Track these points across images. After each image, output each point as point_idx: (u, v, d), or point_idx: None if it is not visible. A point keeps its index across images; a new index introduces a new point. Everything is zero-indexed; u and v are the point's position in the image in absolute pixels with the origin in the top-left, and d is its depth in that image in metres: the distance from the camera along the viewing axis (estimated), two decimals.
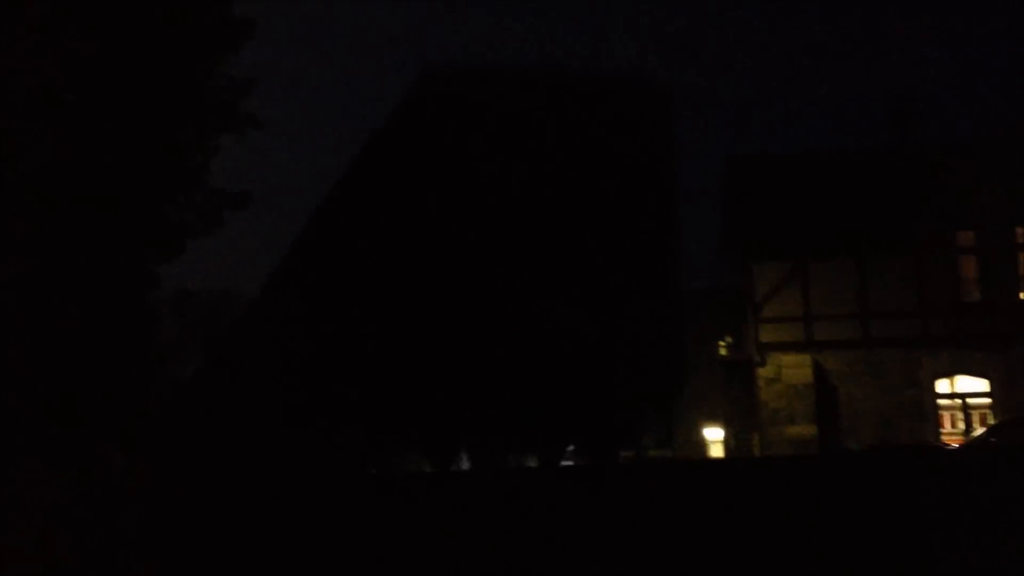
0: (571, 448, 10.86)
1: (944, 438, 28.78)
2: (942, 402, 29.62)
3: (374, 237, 9.57)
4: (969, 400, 29.53)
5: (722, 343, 35.18)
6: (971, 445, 24.25)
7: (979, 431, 27.37)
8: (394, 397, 9.67)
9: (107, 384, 15.60)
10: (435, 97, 10.18)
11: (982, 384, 29.36)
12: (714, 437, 37.96)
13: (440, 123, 10.05)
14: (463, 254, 9.42)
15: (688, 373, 13.43)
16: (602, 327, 9.60)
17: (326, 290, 10.00)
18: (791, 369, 29.70)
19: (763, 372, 30.05)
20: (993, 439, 23.76)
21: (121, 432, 18.81)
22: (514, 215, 9.66)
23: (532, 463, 11.36)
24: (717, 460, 30.66)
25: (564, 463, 11.09)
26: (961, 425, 29.32)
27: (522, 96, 10.37)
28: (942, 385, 29.62)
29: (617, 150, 10.27)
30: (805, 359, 29.58)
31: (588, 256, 9.72)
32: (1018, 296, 29.40)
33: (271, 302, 10.88)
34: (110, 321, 14.48)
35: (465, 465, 12.26)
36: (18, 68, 12.38)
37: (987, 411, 29.17)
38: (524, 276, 9.43)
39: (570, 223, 9.71)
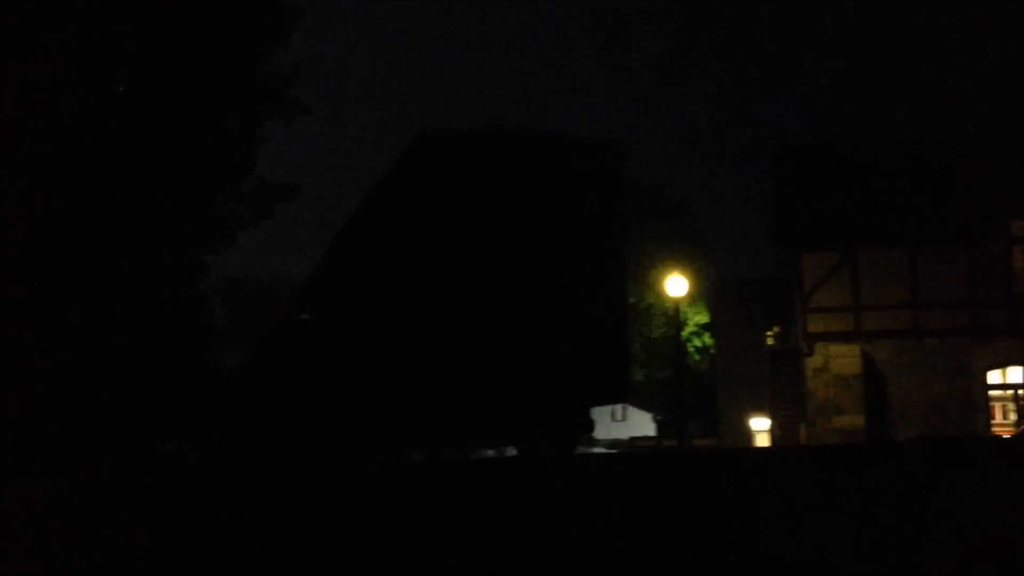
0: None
1: (995, 429, 28.43)
2: (993, 393, 29.27)
3: (378, 267, 12.13)
4: (1021, 391, 29.16)
5: (769, 333, 35.00)
6: (1022, 436, 23.93)
7: None
8: (395, 398, 11.81)
9: (158, 372, 15.85)
10: (425, 156, 12.47)
11: None
12: (760, 427, 37.82)
13: (429, 179, 12.43)
14: (451, 283, 11.87)
15: (631, 380, 15.77)
16: (555, 345, 12.04)
17: (340, 308, 12.36)
18: (839, 359, 29.47)
19: (810, 362, 29.84)
20: None
21: (172, 418, 19.12)
22: (488, 258, 12.04)
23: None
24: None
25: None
26: (1013, 416, 28.94)
27: (501, 155, 12.69)
28: (994, 376, 29.25)
29: (575, 200, 12.68)
30: (853, 349, 29.34)
31: (546, 287, 12.10)
32: None
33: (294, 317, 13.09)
34: (161, 310, 14.71)
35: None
36: (70, 59, 12.56)
37: None
38: (491, 307, 11.83)
39: (535, 262, 12.10)
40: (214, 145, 14.04)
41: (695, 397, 44.81)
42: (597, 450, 48.85)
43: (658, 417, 56.79)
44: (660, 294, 39.71)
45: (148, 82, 12.70)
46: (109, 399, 15.15)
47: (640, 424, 56.75)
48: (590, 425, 13.55)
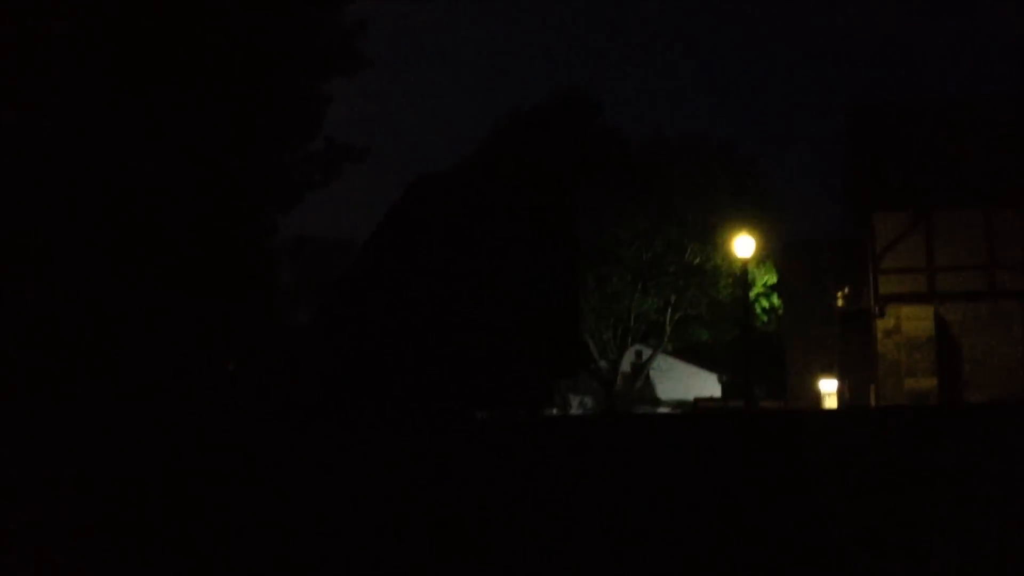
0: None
1: None
2: None
3: (389, 282, 15.16)
4: None
5: (839, 294, 34.54)
6: None
7: None
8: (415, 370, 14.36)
9: (227, 331, 16.11)
10: (418, 196, 15.66)
11: None
12: (828, 389, 37.45)
13: (421, 213, 15.74)
14: (442, 290, 14.83)
15: (581, 361, 18.79)
16: (518, 330, 14.86)
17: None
18: (911, 321, 29.00)
19: (881, 324, 29.41)
20: None
21: (241, 374, 19.45)
22: (468, 274, 15.07)
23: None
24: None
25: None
26: None
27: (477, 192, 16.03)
28: None
29: (532, 221, 15.99)
30: (926, 311, 28.85)
31: (514, 291, 15.06)
32: None
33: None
34: (230, 269, 14.92)
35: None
36: (138, 21, 12.69)
37: None
38: (469, 306, 14.70)
39: (507, 271, 15.18)
40: (281, 101, 14.13)
41: (762, 359, 44.43)
42: (661, 410, 48.93)
43: (724, 378, 56.53)
44: (727, 255, 39.30)
45: (216, 36, 12.77)
46: (181, 357, 15.45)
47: (706, 385, 56.57)
48: (551, 396, 16.53)
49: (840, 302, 34.54)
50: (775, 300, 46.13)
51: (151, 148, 12.56)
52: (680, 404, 50.92)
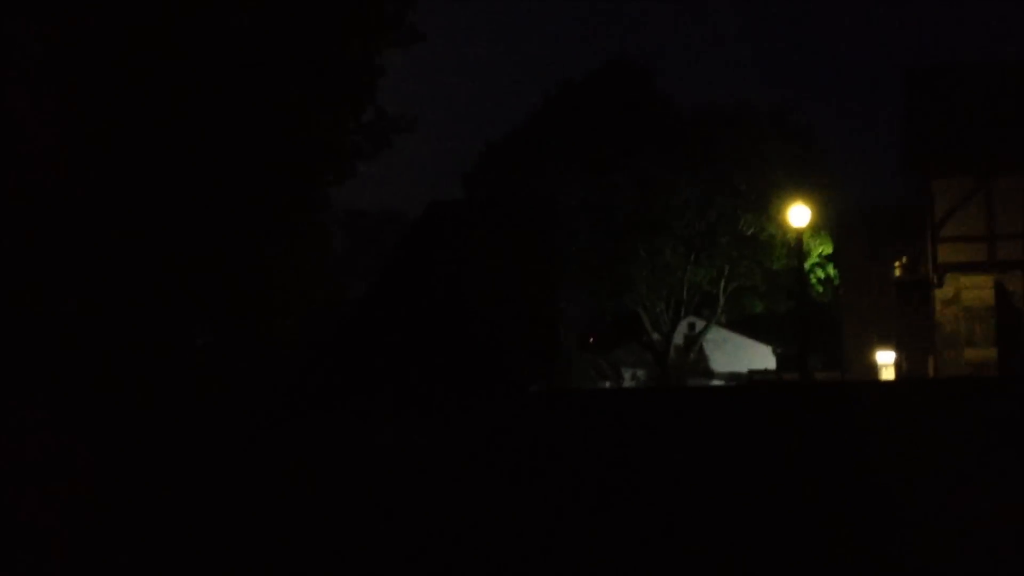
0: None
1: None
2: None
3: (409, 290, 19.58)
4: None
5: (896, 263, 33.99)
6: None
7: None
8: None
9: (283, 303, 16.23)
10: (433, 221, 20.77)
11: None
12: (885, 360, 36.99)
13: (436, 235, 20.84)
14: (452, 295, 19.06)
15: (559, 352, 24.15)
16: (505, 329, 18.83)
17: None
18: (971, 290, 28.42)
19: (940, 293, 28.85)
20: None
21: (295, 347, 19.63)
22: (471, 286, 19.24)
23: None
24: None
25: None
26: None
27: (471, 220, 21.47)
28: None
29: (515, 243, 20.17)
30: (986, 280, 28.24)
31: (500, 300, 18.98)
32: None
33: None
34: (284, 242, 15.00)
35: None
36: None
37: None
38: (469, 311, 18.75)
39: (497, 286, 19.14)
40: (334, 73, 14.11)
41: (817, 330, 43.98)
42: (715, 383, 48.67)
43: (778, 350, 56.05)
44: (781, 224, 38.82)
45: (271, 9, 12.78)
46: (237, 331, 15.60)
47: (760, 357, 56.13)
48: (529, 382, 19.06)
49: (897, 272, 33.99)
50: (831, 270, 45.56)
51: (210, 121, 12.62)
52: (734, 376, 50.63)
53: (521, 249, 19.81)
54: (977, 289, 28.37)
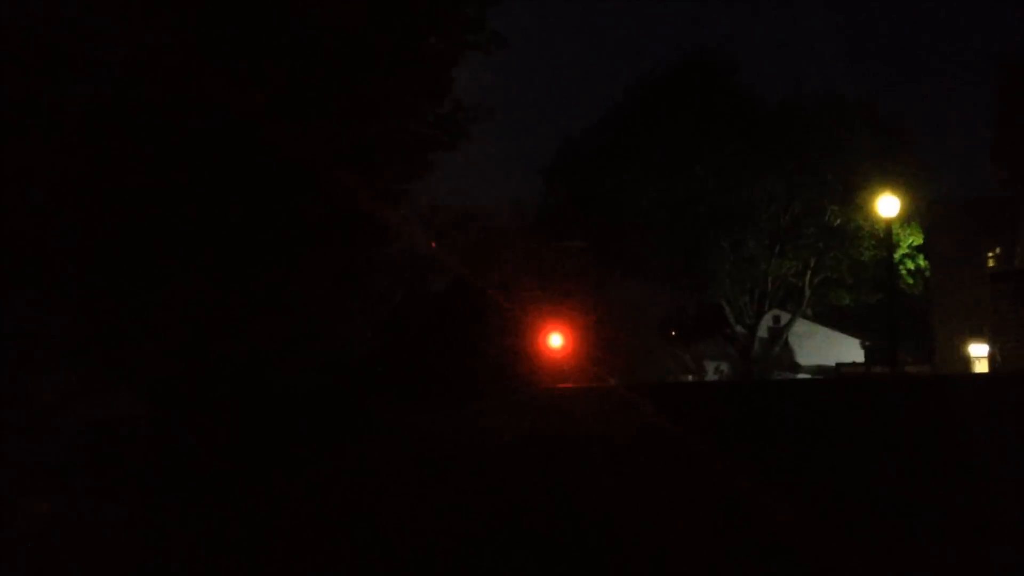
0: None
1: None
2: None
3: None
4: None
5: (990, 254, 33.04)
6: None
7: None
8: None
9: (365, 297, 16.36)
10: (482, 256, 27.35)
11: None
12: (979, 353, 36.01)
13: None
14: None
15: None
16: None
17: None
18: None
19: None
20: None
21: (379, 340, 19.80)
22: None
23: None
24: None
25: None
26: None
27: None
28: None
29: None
30: None
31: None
32: None
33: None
34: (362, 238, 15.08)
35: None
36: None
37: None
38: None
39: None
40: (414, 64, 14.13)
41: (907, 322, 42.94)
42: (800, 376, 47.85)
43: (866, 343, 54.88)
44: (869, 215, 37.98)
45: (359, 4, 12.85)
46: (320, 326, 15.74)
47: (848, 350, 55.05)
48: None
49: (991, 263, 33.06)
50: (921, 261, 44.50)
51: (291, 115, 12.73)
52: (820, 370, 49.76)
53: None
54: None
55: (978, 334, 35.34)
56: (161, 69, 11.48)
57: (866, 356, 51.24)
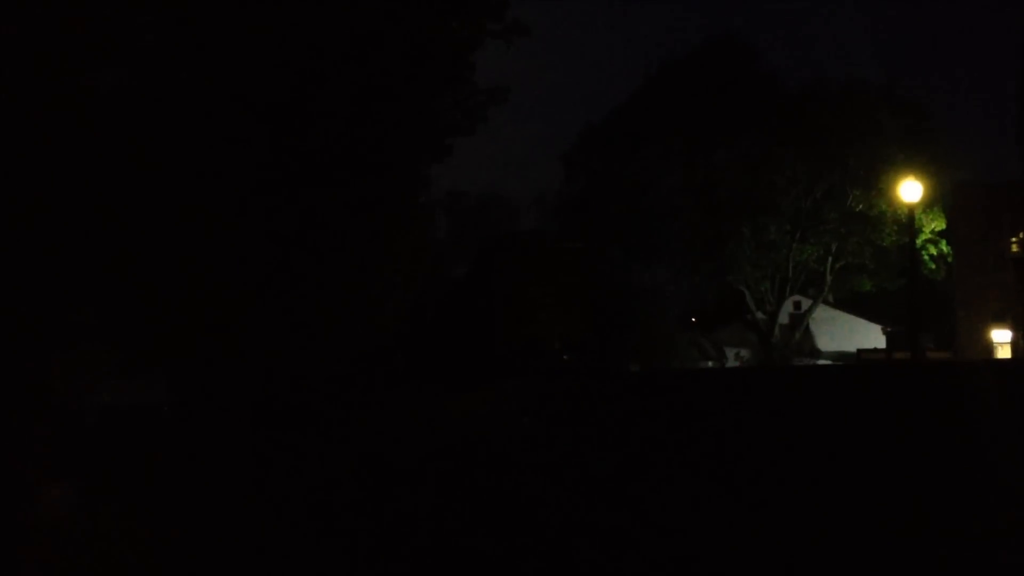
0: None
1: None
2: None
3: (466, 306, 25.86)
4: None
5: (1014, 240, 32.78)
6: None
7: None
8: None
9: (388, 283, 16.42)
10: (489, 256, 28.86)
11: None
12: (1002, 339, 35.79)
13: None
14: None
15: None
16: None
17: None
18: None
19: None
20: None
21: (396, 324, 19.87)
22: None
23: None
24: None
25: None
26: None
27: None
28: None
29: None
30: None
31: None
32: None
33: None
34: (386, 223, 15.16)
35: None
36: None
37: None
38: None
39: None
40: (435, 49, 14.18)
41: (929, 308, 42.66)
42: (822, 362, 47.63)
43: (888, 329, 54.54)
44: (892, 200, 37.74)
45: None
46: (346, 309, 15.83)
47: (869, 336, 54.76)
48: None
49: (1015, 248, 32.82)
50: (944, 247, 44.16)
51: (322, 100, 12.81)
52: (841, 356, 49.52)
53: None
54: None
55: (1001, 320, 35.13)
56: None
57: (887, 342, 50.93)
